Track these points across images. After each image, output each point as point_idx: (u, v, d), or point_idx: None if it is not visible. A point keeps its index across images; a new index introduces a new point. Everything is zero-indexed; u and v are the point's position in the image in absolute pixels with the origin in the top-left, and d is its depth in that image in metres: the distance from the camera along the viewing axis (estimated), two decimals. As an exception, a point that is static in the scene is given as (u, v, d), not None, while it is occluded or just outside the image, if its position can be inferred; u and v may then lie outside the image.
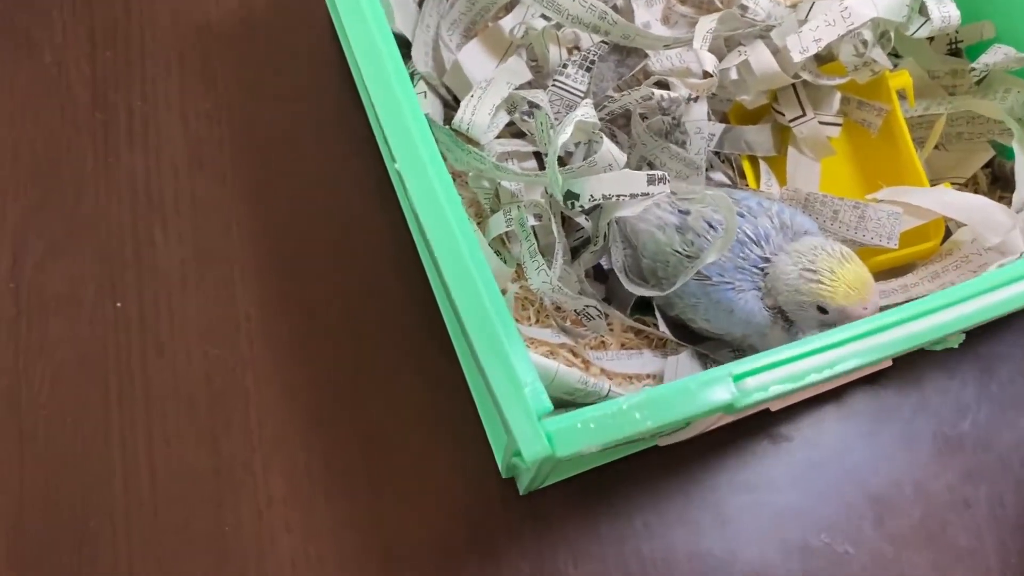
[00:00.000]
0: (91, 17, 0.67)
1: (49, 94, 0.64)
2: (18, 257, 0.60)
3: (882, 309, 0.54)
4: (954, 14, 0.54)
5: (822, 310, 0.47)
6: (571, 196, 0.49)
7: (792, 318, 0.49)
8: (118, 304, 0.59)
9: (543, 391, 0.37)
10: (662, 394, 0.37)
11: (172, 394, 0.57)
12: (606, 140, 0.49)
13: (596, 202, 0.49)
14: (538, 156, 0.56)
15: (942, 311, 0.41)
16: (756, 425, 0.58)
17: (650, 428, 0.36)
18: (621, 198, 0.49)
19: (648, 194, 0.49)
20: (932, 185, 0.57)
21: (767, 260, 0.49)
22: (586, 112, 0.49)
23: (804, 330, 0.49)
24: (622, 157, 0.50)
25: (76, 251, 0.60)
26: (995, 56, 0.54)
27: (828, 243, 0.48)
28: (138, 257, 0.60)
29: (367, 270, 0.59)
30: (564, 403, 0.46)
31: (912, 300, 0.55)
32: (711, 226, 0.50)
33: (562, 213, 0.53)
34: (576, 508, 0.55)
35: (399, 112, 0.40)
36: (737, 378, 0.37)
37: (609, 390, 0.45)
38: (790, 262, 0.48)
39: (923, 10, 0.56)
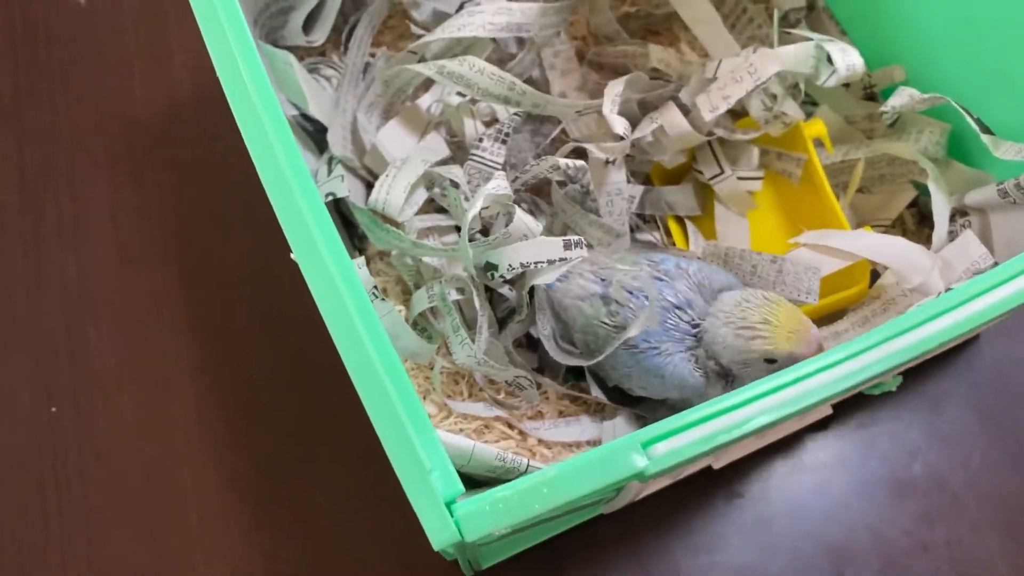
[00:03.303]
0: (18, 122, 0.67)
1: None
2: (-54, 363, 0.59)
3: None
4: (858, 62, 0.55)
5: (770, 360, 0.47)
6: (490, 267, 0.49)
7: (739, 375, 0.49)
8: (53, 409, 0.59)
9: (452, 474, 0.36)
10: (571, 467, 0.36)
11: (111, 497, 0.57)
12: (519, 211, 0.49)
13: (516, 271, 0.49)
14: (459, 230, 0.57)
15: (863, 355, 0.41)
16: (704, 483, 0.57)
17: (560, 504, 0.35)
18: (539, 265, 0.49)
19: (566, 259, 0.49)
20: (857, 228, 0.57)
21: (696, 325, 0.49)
22: (497, 185, 0.49)
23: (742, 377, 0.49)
24: (537, 226, 0.50)
25: (8, 355, 0.60)
26: (901, 99, 0.55)
27: (749, 293, 0.48)
28: (72, 358, 0.60)
29: (301, 356, 0.59)
30: (489, 480, 0.45)
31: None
32: (631, 294, 0.50)
33: (486, 285, 0.53)
34: (529, 584, 0.54)
35: (290, 199, 0.40)
36: (647, 444, 0.37)
37: (528, 465, 0.45)
38: (720, 324, 0.47)
39: (829, 59, 0.57)
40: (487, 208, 0.52)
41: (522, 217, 0.49)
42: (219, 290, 0.61)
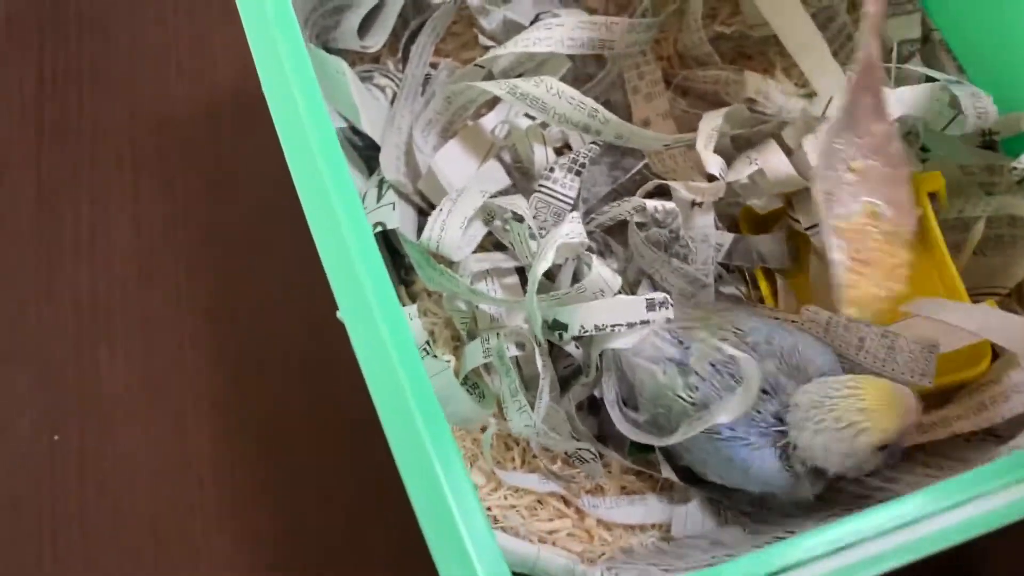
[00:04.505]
0: (39, 114, 0.61)
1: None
2: (-57, 379, 0.54)
3: (920, 447, 0.48)
4: (991, 109, 0.48)
5: (882, 447, 0.41)
6: (558, 327, 0.42)
7: (849, 474, 0.42)
8: (56, 437, 0.53)
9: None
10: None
11: (113, 543, 0.51)
12: (596, 262, 0.43)
13: (588, 333, 0.42)
14: (521, 272, 0.50)
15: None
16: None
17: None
18: (617, 328, 0.42)
19: (648, 321, 0.43)
20: (971, 296, 0.50)
21: (779, 418, 0.42)
22: (571, 230, 0.43)
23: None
24: (616, 281, 0.43)
25: (10, 373, 0.54)
26: (1039, 154, 0.48)
27: (825, 387, 0.41)
28: (80, 383, 0.54)
29: (339, 406, 0.52)
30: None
31: (955, 436, 0.49)
32: (716, 369, 0.43)
33: (549, 341, 0.47)
34: None
35: (336, 238, 0.34)
36: (766, 577, 0.30)
37: (603, 579, 0.38)
38: (811, 433, 0.41)
39: (954, 102, 0.50)
40: (550, 263, 0.45)
41: (600, 270, 0.42)
42: (249, 319, 0.55)
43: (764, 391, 0.42)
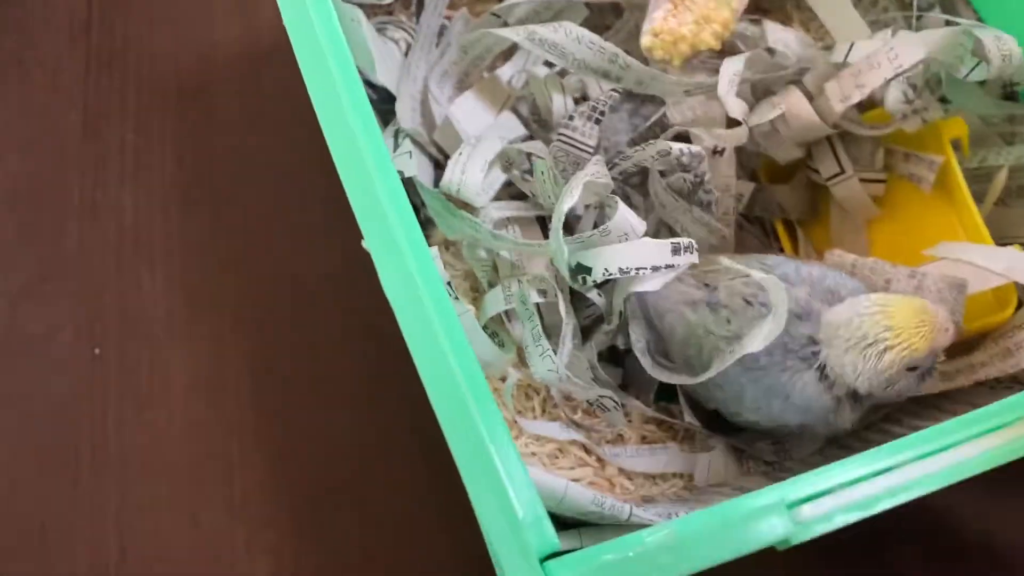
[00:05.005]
0: (88, 42, 0.61)
1: (36, 118, 0.59)
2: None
3: (945, 395, 0.47)
4: (1015, 51, 0.47)
5: (911, 368, 0.40)
6: (581, 270, 0.42)
7: (884, 397, 0.41)
8: (96, 351, 0.53)
9: (547, 525, 0.29)
10: (696, 529, 0.29)
11: (149, 458, 0.51)
12: (621, 205, 0.42)
13: (612, 276, 0.41)
14: (542, 222, 0.49)
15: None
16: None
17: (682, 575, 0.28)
18: (641, 271, 0.41)
19: (673, 266, 0.42)
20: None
21: (814, 340, 0.41)
22: (596, 171, 0.42)
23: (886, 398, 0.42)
24: (640, 225, 0.42)
25: (53, 289, 0.54)
26: (1065, 100, 0.47)
27: (855, 304, 0.41)
28: (122, 301, 0.54)
29: (376, 328, 0.51)
30: (577, 522, 0.38)
31: (980, 382, 0.48)
32: (748, 302, 0.43)
33: (570, 287, 0.46)
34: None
35: (364, 179, 0.33)
36: (791, 505, 0.30)
37: (631, 513, 0.38)
38: (841, 351, 0.40)
39: (977, 50, 0.49)
40: (577, 200, 0.44)
41: (625, 213, 0.42)
42: (288, 247, 0.55)
43: (797, 315, 0.41)
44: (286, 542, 0.48)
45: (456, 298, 0.42)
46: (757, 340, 0.39)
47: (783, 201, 0.51)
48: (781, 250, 0.52)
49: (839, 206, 0.52)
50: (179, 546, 0.49)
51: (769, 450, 0.47)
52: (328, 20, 0.39)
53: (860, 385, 0.40)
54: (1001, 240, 0.52)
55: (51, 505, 0.49)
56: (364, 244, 0.33)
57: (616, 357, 0.49)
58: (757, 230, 0.53)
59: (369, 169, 0.34)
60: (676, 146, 0.44)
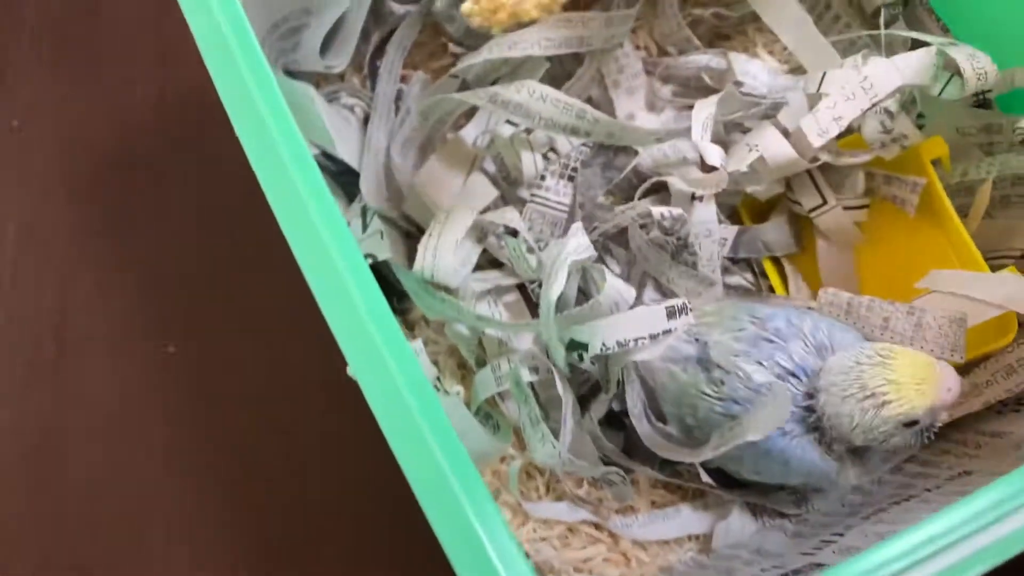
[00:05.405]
0: None
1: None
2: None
3: (950, 423, 0.46)
4: (990, 69, 0.46)
5: (909, 424, 0.38)
6: (576, 347, 0.40)
7: (880, 451, 0.40)
8: (171, 349, 0.52)
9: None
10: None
11: (223, 456, 0.50)
12: (609, 275, 0.40)
13: (611, 351, 0.40)
14: (523, 288, 0.47)
15: None
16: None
17: None
18: (640, 342, 0.40)
19: (669, 331, 0.40)
20: (986, 259, 0.48)
21: (811, 396, 0.40)
22: (578, 245, 0.40)
23: (891, 454, 0.40)
24: (630, 292, 0.41)
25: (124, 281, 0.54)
26: (1044, 111, 0.46)
27: (858, 353, 0.39)
28: (192, 298, 0.54)
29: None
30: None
31: (989, 404, 0.47)
32: (738, 358, 0.41)
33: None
34: None
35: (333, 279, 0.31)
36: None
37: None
38: (838, 400, 0.39)
39: (949, 64, 0.48)
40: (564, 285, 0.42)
41: (613, 282, 0.40)
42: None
43: (793, 374, 0.40)
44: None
45: (446, 392, 0.40)
46: (754, 430, 0.38)
47: (768, 240, 0.50)
48: (771, 289, 0.51)
49: (823, 237, 0.50)
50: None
51: (789, 500, 0.45)
52: (276, 104, 0.36)
53: (855, 437, 0.39)
54: (989, 254, 0.51)
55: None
56: (349, 372, 0.30)
57: (617, 419, 0.47)
58: (744, 267, 0.51)
59: (344, 283, 0.32)
60: (656, 210, 0.43)
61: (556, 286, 0.38)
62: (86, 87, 0.59)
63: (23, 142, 0.58)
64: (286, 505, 0.49)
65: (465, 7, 0.47)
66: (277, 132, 0.34)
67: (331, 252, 0.33)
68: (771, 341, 0.41)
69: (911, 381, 0.38)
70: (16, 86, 0.59)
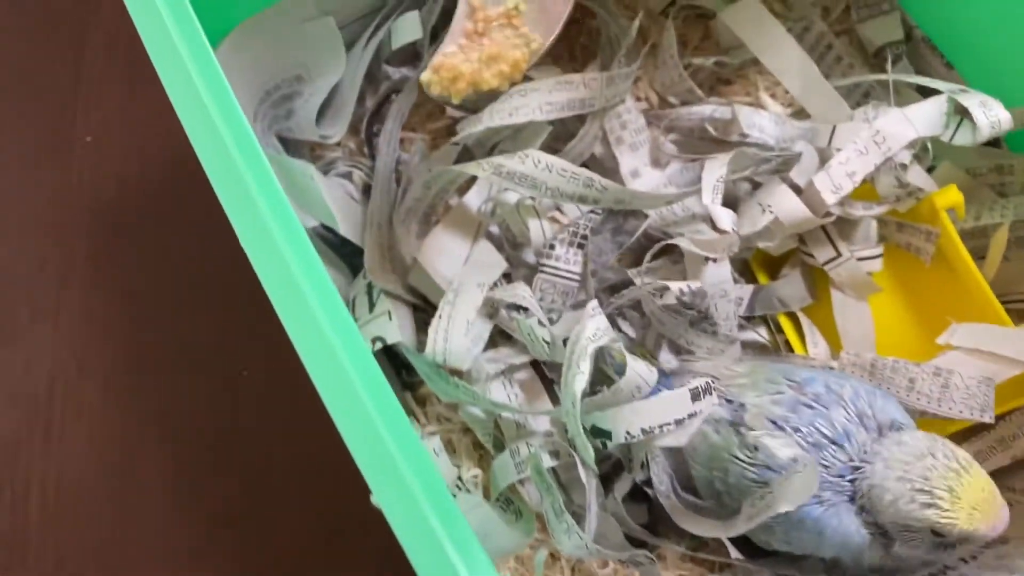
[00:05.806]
0: None
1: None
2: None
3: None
4: (1003, 116, 0.45)
5: (937, 534, 0.37)
6: (600, 434, 0.39)
7: (895, 537, 0.39)
8: (244, 372, 0.53)
9: None
10: None
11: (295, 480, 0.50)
12: (630, 359, 0.39)
13: (636, 439, 0.38)
14: (536, 364, 0.46)
15: None
16: None
17: None
18: (666, 428, 0.38)
19: (695, 414, 0.39)
20: (1004, 305, 0.47)
21: (856, 467, 0.39)
22: (597, 328, 0.39)
23: (908, 549, 0.39)
24: (652, 375, 0.39)
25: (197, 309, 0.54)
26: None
27: (939, 447, 0.38)
28: (265, 324, 0.52)
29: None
30: None
31: (1017, 459, 0.46)
32: (776, 425, 0.40)
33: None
34: None
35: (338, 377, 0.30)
36: None
37: None
38: (893, 476, 0.38)
39: (959, 108, 0.47)
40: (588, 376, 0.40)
41: (635, 367, 0.39)
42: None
43: (834, 442, 0.39)
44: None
45: (467, 491, 0.39)
46: (786, 501, 0.37)
47: (783, 296, 0.49)
48: (787, 343, 0.50)
49: (838, 288, 0.49)
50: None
51: (820, 568, 0.44)
52: (270, 189, 0.34)
53: (885, 514, 0.38)
54: (1009, 297, 0.50)
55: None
56: (373, 500, 0.29)
57: (638, 491, 0.46)
58: (758, 322, 0.50)
59: (353, 387, 0.30)
60: (674, 285, 0.41)
61: (580, 378, 0.37)
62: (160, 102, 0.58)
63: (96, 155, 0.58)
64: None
65: (424, 77, 0.46)
66: (274, 220, 0.32)
67: (347, 372, 0.31)
68: (811, 407, 0.40)
69: (969, 502, 0.37)
70: (90, 101, 0.59)
